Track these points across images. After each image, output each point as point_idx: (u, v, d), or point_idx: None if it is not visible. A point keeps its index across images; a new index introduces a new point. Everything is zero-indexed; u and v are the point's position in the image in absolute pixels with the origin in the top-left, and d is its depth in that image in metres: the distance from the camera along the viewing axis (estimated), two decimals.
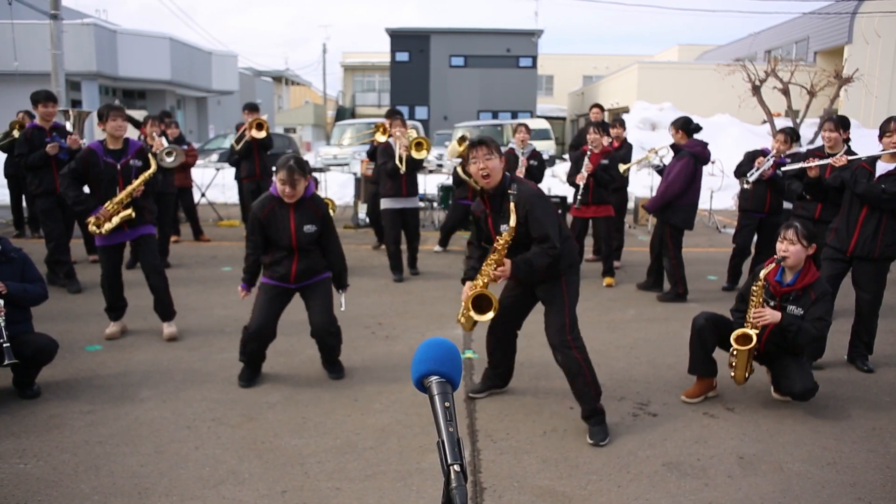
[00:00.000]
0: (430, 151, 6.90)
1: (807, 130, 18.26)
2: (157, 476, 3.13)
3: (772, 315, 3.75)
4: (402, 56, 31.99)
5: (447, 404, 1.11)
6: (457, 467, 1.04)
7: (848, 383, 4.39)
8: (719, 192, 12.05)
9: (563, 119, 32.05)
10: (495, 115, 29.58)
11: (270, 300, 4.17)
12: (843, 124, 5.41)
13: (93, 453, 3.33)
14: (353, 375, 4.41)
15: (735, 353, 3.85)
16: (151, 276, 5.00)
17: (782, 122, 16.05)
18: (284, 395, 4.09)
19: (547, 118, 26.96)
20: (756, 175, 6.00)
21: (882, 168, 4.45)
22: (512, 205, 3.41)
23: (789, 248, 3.80)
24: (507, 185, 3.49)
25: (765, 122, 17.44)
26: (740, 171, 6.49)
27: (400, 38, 31.94)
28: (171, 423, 3.70)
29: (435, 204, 11.04)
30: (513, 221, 3.43)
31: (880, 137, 4.44)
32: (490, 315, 3.60)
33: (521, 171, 7.34)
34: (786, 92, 15.85)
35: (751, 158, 6.58)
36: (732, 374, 3.92)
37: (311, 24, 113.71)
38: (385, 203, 6.94)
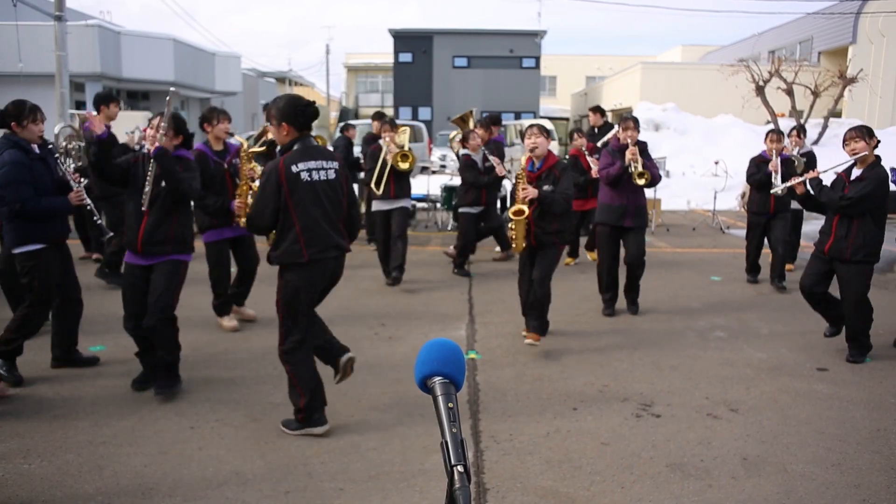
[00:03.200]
0: (413, 165, 6.84)
1: (811, 131, 18.25)
2: (160, 476, 3.14)
3: (532, 191, 4.70)
4: (406, 57, 31.98)
5: (451, 405, 1.10)
6: (460, 468, 1.04)
7: (852, 385, 4.38)
8: (723, 193, 12.04)
9: (567, 120, 32.01)
10: (499, 116, 29.46)
11: None
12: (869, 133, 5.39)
13: (96, 453, 3.34)
14: (357, 376, 4.41)
15: (513, 225, 4.80)
16: (252, 269, 5.54)
17: (786, 123, 16.03)
18: (287, 395, 4.09)
19: (550, 119, 26.93)
20: (786, 186, 5.70)
21: (856, 173, 4.72)
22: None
23: (536, 140, 4.77)
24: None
25: (768, 122, 17.40)
26: (757, 181, 6.62)
27: (403, 39, 31.93)
28: (174, 423, 3.70)
29: (438, 205, 11.04)
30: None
31: (844, 146, 4.74)
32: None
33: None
34: (790, 92, 15.83)
35: (756, 164, 6.64)
36: (513, 244, 4.90)
37: (314, 25, 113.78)
38: (375, 205, 7.00)
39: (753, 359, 4.84)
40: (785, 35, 27.83)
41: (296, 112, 3.41)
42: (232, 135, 5.44)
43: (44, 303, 4.22)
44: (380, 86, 41.09)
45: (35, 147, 4.16)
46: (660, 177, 5.96)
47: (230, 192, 5.21)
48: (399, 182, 6.79)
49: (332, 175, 3.50)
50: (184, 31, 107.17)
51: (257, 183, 4.98)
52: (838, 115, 19.75)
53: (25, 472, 3.17)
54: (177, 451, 3.37)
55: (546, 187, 4.73)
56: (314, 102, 3.54)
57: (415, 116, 30.27)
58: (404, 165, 6.65)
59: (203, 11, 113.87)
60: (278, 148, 3.78)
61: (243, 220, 5.12)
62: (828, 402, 4.08)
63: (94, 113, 6.00)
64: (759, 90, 15.95)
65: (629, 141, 5.64)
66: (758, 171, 6.63)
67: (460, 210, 7.48)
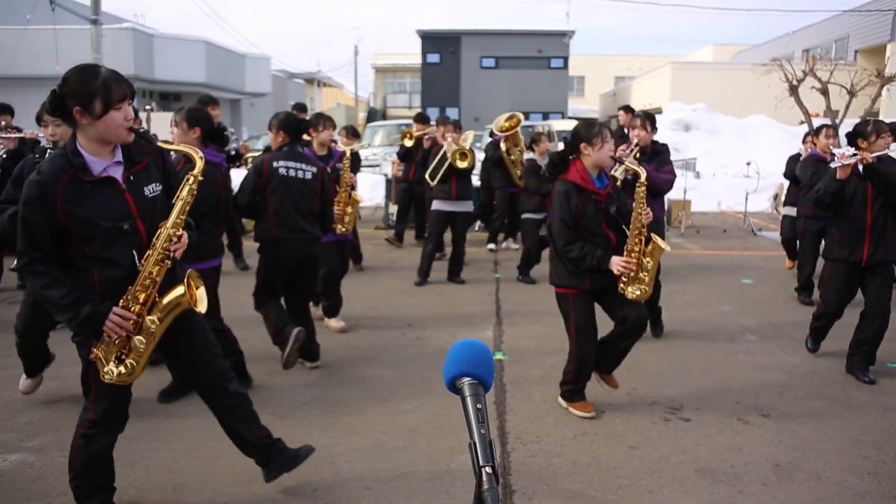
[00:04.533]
0: (472, 164, 6.90)
1: (847, 131, 17.82)
2: (190, 472, 3.19)
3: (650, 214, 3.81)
4: (433, 57, 32.05)
5: (479, 406, 1.10)
6: (488, 469, 1.03)
7: (890, 392, 4.26)
8: (755, 195, 11.83)
9: (595, 120, 31.87)
10: (526, 117, 29.40)
11: None
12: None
13: (129, 448, 3.40)
14: (384, 376, 4.43)
15: (649, 265, 3.73)
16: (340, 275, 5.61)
17: (820, 123, 15.70)
18: (315, 394, 4.13)
19: (578, 119, 26.77)
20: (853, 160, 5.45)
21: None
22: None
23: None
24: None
25: (802, 122, 17.07)
26: (831, 192, 6.18)
27: (431, 40, 32.00)
28: (204, 421, 3.73)
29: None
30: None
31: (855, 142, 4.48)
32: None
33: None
34: (825, 92, 15.50)
35: (814, 164, 6.27)
36: (632, 291, 3.72)
37: (343, 27, 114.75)
38: (435, 204, 7.00)
39: (786, 363, 4.75)
40: (820, 33, 27.28)
41: (290, 124, 4.45)
42: (335, 142, 5.62)
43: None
44: (408, 86, 41.21)
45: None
46: (666, 186, 4.98)
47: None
48: (461, 182, 6.84)
49: (308, 176, 4.36)
50: (214, 32, 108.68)
51: (355, 192, 5.65)
52: (875, 114, 19.29)
53: (61, 464, 3.24)
54: (206, 448, 3.42)
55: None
56: (306, 120, 4.32)
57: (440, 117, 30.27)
58: (463, 164, 6.73)
59: (232, 12, 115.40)
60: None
61: (340, 226, 5.36)
62: (864, 409, 3.99)
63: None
64: (793, 90, 15.64)
65: (634, 140, 4.94)
66: (817, 170, 5.87)
67: (523, 216, 7.25)
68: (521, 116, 8.08)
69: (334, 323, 5.43)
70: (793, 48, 26.93)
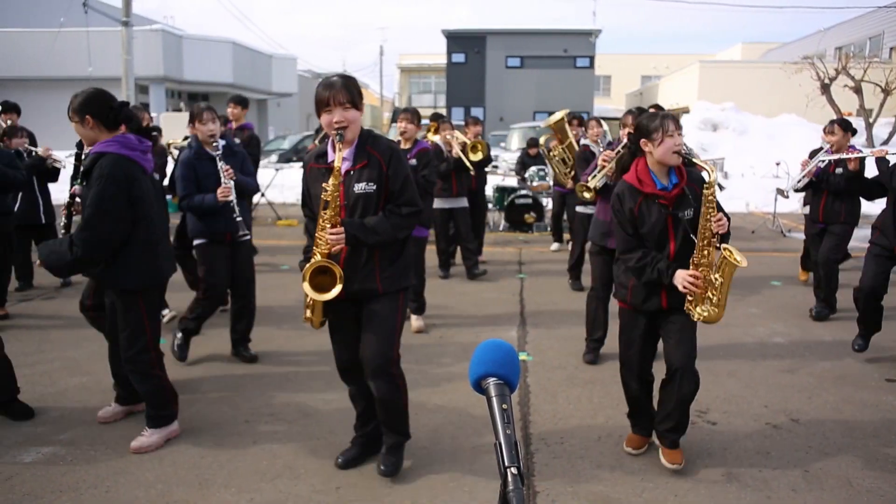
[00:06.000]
0: (486, 153, 6.87)
1: (880, 130, 17.47)
2: (216, 468, 3.23)
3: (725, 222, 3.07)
4: (459, 57, 32.04)
5: (505, 406, 1.10)
6: (514, 470, 1.03)
7: None
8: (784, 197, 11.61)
9: (659, 111, 31.53)
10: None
11: None
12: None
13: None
14: (407, 376, 4.43)
15: (721, 280, 3.03)
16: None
17: (853, 122, 15.39)
18: (340, 393, 4.14)
19: (604, 119, 26.55)
20: (837, 159, 5.66)
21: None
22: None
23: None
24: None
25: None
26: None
27: (456, 40, 32.00)
28: (230, 417, 3.80)
29: (490, 205, 11.00)
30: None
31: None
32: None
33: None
34: (858, 90, 15.20)
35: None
36: (701, 312, 3.09)
37: (369, 27, 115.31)
38: (436, 203, 7.00)
39: (816, 367, 4.66)
40: (853, 30, 26.72)
41: None
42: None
43: (206, 295, 4.55)
44: (433, 86, 41.28)
45: (215, 145, 4.44)
46: None
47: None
48: (461, 178, 6.82)
49: None
50: (240, 32, 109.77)
51: None
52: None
53: (91, 457, 3.31)
54: (232, 444, 3.46)
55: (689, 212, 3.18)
56: None
57: (467, 117, 30.29)
58: (476, 156, 6.71)
59: (258, 12, 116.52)
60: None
61: None
62: None
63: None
64: (825, 88, 15.36)
65: (623, 141, 4.50)
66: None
67: (577, 210, 6.52)
68: (563, 113, 7.75)
69: (416, 322, 5.47)
70: (825, 46, 26.41)
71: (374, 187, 2.89)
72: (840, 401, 4.08)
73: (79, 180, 3.30)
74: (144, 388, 3.39)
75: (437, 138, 6.98)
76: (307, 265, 2.87)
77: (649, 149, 3.13)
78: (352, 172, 2.89)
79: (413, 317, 5.47)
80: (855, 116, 16.78)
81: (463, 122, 8.00)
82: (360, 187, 2.88)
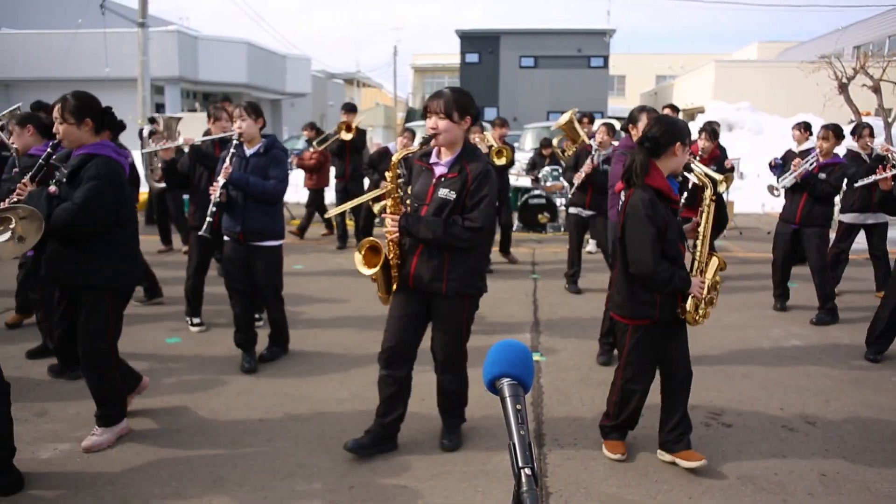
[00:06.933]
0: (511, 159, 6.90)
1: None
2: (230, 466, 3.24)
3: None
4: (472, 57, 32.01)
5: (519, 407, 1.10)
6: (528, 470, 1.03)
7: None
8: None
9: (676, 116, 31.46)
10: None
11: None
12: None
13: (171, 441, 3.48)
14: (420, 376, 4.43)
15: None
16: None
17: (872, 122, 15.20)
18: (353, 392, 4.16)
19: (618, 119, 26.45)
20: (868, 181, 5.58)
21: None
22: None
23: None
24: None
25: (852, 121, 16.55)
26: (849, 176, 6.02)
27: (470, 40, 31.97)
28: (244, 416, 3.82)
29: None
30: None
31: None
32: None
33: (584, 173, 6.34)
34: (877, 90, 15.00)
35: (854, 160, 6.25)
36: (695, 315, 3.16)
37: (382, 27, 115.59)
38: None
39: (833, 370, 4.61)
40: (872, 29, 26.40)
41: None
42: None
43: (229, 290, 4.55)
44: (446, 86, 41.28)
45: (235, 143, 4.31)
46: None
47: None
48: None
49: None
50: (254, 32, 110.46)
51: None
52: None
53: (108, 454, 3.34)
54: (246, 443, 3.48)
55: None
56: None
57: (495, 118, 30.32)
58: (500, 161, 6.73)
59: (273, 12, 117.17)
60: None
61: None
62: None
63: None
64: (843, 88, 15.17)
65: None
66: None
67: (570, 210, 6.50)
68: (570, 113, 7.72)
69: None
70: (843, 45, 26.11)
71: (454, 196, 3.10)
72: (857, 404, 4.04)
73: (53, 181, 3.28)
74: (99, 386, 3.41)
75: None
76: (365, 239, 3.26)
77: (679, 153, 3.08)
78: (443, 179, 3.14)
79: None
80: (873, 116, 16.57)
81: (489, 124, 8.03)
82: (442, 192, 3.12)
